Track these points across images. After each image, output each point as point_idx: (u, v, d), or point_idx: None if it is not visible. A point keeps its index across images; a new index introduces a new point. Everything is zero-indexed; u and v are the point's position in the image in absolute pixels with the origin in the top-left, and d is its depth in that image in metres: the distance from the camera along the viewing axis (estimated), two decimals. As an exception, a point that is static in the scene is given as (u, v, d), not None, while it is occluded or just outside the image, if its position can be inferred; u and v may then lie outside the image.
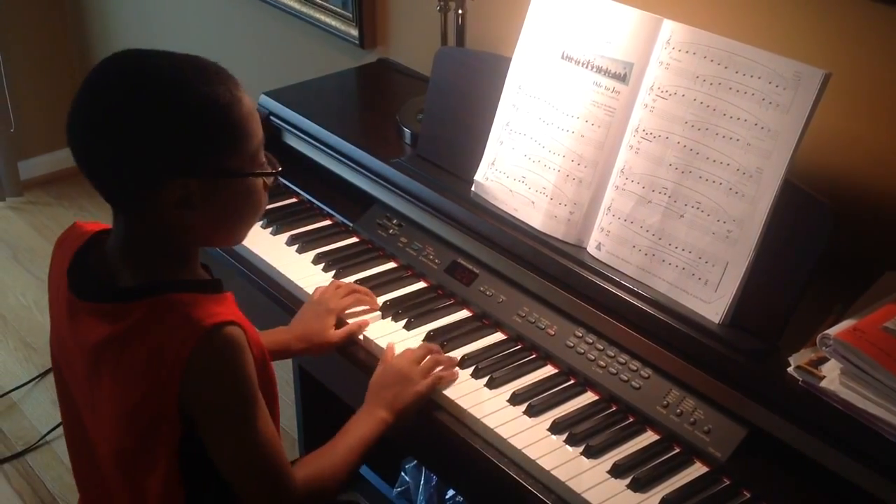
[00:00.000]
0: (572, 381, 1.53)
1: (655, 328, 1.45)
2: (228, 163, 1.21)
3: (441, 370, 1.51)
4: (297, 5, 2.64)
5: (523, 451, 1.38)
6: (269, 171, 1.28)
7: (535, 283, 1.59)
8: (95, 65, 1.21)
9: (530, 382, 1.51)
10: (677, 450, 1.40)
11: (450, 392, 1.49)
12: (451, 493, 2.12)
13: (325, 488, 1.34)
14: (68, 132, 1.20)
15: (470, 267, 1.69)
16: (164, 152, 1.17)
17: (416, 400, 1.46)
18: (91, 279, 1.27)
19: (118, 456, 1.26)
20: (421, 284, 1.75)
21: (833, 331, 1.28)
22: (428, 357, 1.52)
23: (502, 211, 1.69)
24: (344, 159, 1.91)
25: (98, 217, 3.70)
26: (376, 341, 1.60)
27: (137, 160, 1.17)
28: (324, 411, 2.24)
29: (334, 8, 2.51)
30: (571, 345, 1.53)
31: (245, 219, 1.29)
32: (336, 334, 1.60)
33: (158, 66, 1.19)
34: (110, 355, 1.22)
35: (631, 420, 1.45)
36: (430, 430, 1.49)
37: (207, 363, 1.19)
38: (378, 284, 1.73)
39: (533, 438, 1.41)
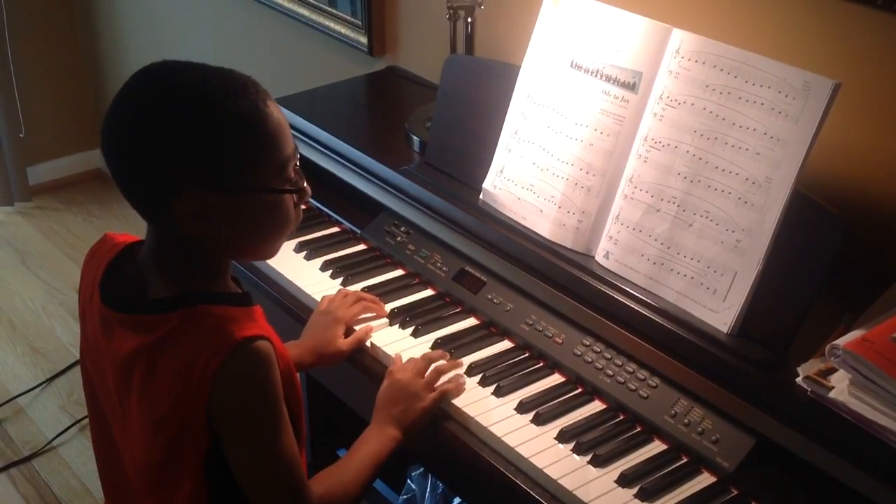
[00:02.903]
0: (580, 390, 1.52)
1: (663, 337, 1.45)
2: (250, 177, 1.20)
3: (446, 381, 1.51)
4: (306, 12, 2.65)
5: (530, 459, 1.38)
6: (291, 188, 1.25)
7: (543, 292, 1.59)
8: (132, 74, 1.22)
9: (538, 391, 1.51)
10: (685, 460, 1.40)
11: (457, 400, 1.49)
12: (457, 501, 2.12)
13: None
14: (101, 140, 1.21)
15: (478, 275, 1.69)
16: (180, 164, 1.17)
17: (422, 415, 1.46)
18: (124, 290, 1.27)
19: (145, 468, 1.26)
20: (428, 292, 1.75)
21: (842, 341, 1.27)
22: (431, 369, 1.51)
23: (510, 219, 1.69)
24: (352, 166, 1.91)
25: (106, 222, 3.73)
26: (384, 349, 1.60)
27: (155, 171, 1.18)
28: (332, 418, 2.24)
29: (343, 15, 2.52)
30: (579, 353, 1.53)
31: (272, 234, 1.27)
32: (345, 343, 1.60)
33: (185, 78, 1.19)
34: (141, 366, 1.22)
35: (639, 429, 1.45)
36: (437, 438, 1.49)
37: (236, 377, 1.19)
38: (386, 292, 1.73)
39: (540, 447, 1.40)
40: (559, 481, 1.35)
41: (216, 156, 1.18)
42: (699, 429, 1.38)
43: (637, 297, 1.50)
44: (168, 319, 1.21)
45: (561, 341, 1.55)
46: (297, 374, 1.32)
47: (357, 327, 1.64)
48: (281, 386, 1.23)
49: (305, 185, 1.28)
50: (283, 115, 1.23)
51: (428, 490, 2.15)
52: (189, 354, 1.18)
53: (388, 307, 1.69)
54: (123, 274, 1.29)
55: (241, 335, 1.19)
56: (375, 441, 1.42)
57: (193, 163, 1.17)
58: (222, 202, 1.19)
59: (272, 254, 1.31)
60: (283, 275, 1.79)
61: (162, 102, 1.17)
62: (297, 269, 1.81)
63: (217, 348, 1.18)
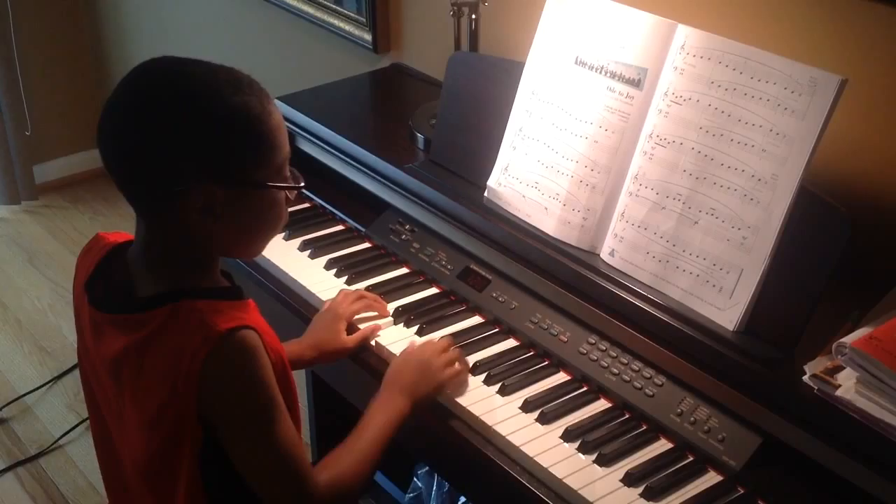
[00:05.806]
0: (585, 389, 1.52)
1: (669, 335, 1.44)
2: (254, 173, 1.22)
3: (461, 365, 1.51)
4: (311, 10, 2.64)
5: (535, 458, 1.38)
6: (293, 184, 1.28)
7: (548, 290, 1.59)
8: (130, 69, 1.22)
9: (543, 389, 1.51)
10: (691, 458, 1.39)
11: (462, 399, 1.49)
12: (463, 499, 2.11)
13: (349, 488, 1.33)
14: (98, 134, 1.21)
15: (482, 273, 1.69)
16: (192, 158, 1.18)
17: (434, 390, 1.46)
18: (111, 291, 1.28)
19: (142, 464, 1.27)
20: (433, 290, 1.74)
21: (849, 339, 1.27)
22: (452, 348, 1.51)
23: (515, 217, 1.68)
24: (357, 164, 1.91)
25: (113, 221, 3.73)
26: (388, 347, 1.60)
27: (165, 164, 1.18)
28: (337, 418, 2.24)
29: (348, 13, 2.51)
30: (584, 351, 1.52)
31: (265, 231, 1.30)
32: (349, 339, 1.60)
33: (192, 74, 1.20)
34: (130, 365, 1.23)
35: (644, 428, 1.44)
36: (442, 437, 1.49)
37: (222, 369, 1.19)
38: (390, 290, 1.72)
39: (545, 446, 1.40)
40: (564, 480, 1.34)
41: (226, 150, 1.19)
42: (705, 427, 1.38)
43: (643, 294, 1.49)
44: (154, 316, 1.21)
45: (566, 339, 1.55)
46: (290, 367, 1.32)
47: (361, 325, 1.63)
48: (272, 374, 1.23)
49: (302, 182, 1.30)
50: (281, 114, 1.25)
51: (434, 488, 2.15)
52: (175, 350, 1.19)
53: (393, 305, 1.69)
54: (111, 274, 1.29)
55: (224, 327, 1.19)
56: (384, 413, 1.41)
57: (204, 157, 1.18)
58: (227, 198, 1.21)
59: (259, 252, 1.33)
60: (287, 273, 1.79)
61: (173, 96, 1.18)
62: (302, 267, 1.81)
63: (201, 342, 1.18)
